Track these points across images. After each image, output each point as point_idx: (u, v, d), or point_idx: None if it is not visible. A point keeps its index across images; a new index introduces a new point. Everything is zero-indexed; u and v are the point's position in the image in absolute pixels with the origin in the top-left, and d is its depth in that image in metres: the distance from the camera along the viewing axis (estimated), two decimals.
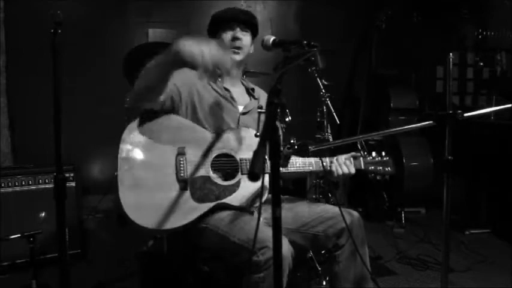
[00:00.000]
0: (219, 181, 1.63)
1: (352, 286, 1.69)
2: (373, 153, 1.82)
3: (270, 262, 1.32)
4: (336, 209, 1.68)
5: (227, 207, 1.63)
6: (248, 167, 1.64)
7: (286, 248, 1.41)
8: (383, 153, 1.83)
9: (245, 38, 1.78)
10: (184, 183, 1.58)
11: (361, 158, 1.79)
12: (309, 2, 4.44)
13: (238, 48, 1.76)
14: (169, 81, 1.54)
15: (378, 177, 1.82)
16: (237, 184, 1.65)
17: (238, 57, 1.78)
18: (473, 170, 3.63)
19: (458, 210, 3.56)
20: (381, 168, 1.81)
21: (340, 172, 1.73)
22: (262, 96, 1.95)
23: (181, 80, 1.68)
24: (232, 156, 1.68)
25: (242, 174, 1.65)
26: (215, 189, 1.62)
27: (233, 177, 1.66)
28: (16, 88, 3.56)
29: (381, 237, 3.32)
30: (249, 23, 1.80)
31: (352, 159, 1.77)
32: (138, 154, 1.57)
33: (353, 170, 1.75)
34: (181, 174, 1.58)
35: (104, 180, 3.71)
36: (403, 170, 3.75)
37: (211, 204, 1.59)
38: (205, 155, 1.64)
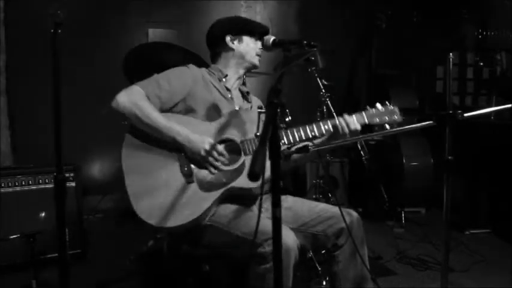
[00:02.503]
0: (223, 167, 1.64)
1: (352, 286, 1.70)
2: (378, 105, 1.77)
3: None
4: (335, 208, 1.69)
5: (236, 193, 1.63)
6: (250, 146, 1.66)
7: (292, 239, 1.44)
8: (387, 103, 1.78)
9: None
10: (189, 177, 1.61)
11: (363, 112, 1.74)
12: (309, 2, 4.44)
13: (260, 56, 1.88)
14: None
15: (387, 126, 1.74)
16: (242, 166, 1.65)
17: (258, 63, 1.91)
18: (473, 170, 3.63)
19: (458, 210, 3.56)
20: (387, 117, 1.75)
21: (347, 130, 1.68)
22: (255, 101, 2.00)
23: (181, 85, 1.73)
24: (233, 141, 1.69)
25: (246, 155, 1.66)
26: (221, 175, 1.63)
27: (237, 160, 1.66)
28: (16, 88, 3.55)
29: (381, 237, 3.32)
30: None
31: (354, 116, 1.72)
32: (141, 161, 1.60)
33: (359, 127, 1.70)
34: (185, 169, 1.61)
35: (104, 180, 3.71)
36: (403, 170, 3.75)
37: (220, 191, 1.61)
38: None
